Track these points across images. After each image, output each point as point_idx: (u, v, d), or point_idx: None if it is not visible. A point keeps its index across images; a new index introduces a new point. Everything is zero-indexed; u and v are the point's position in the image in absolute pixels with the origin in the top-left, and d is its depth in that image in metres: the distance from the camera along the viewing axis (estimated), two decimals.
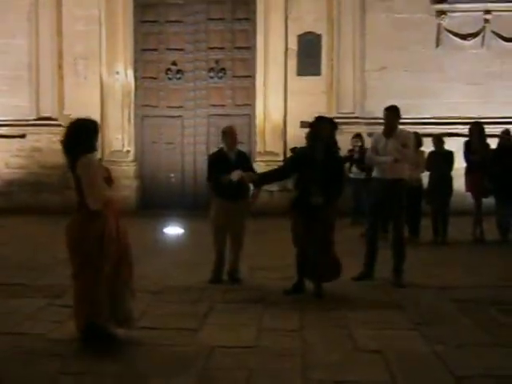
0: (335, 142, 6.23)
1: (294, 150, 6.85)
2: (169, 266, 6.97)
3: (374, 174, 6.65)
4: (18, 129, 12.29)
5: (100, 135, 12.81)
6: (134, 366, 3.90)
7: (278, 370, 3.83)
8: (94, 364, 3.92)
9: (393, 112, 6.45)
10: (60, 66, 12.85)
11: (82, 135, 4.25)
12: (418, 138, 8.37)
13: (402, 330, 4.75)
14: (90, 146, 4.30)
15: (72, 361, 4.00)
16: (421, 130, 9.60)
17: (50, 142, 12.09)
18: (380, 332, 4.64)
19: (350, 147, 10.11)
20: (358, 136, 10.15)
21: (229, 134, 6.45)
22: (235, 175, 5.97)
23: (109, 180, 4.38)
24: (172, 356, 4.08)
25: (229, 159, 6.30)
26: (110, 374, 3.74)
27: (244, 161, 6.44)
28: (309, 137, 5.87)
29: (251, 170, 6.40)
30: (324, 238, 5.74)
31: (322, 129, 5.76)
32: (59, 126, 12.50)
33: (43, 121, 11.93)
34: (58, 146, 12.77)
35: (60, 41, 12.81)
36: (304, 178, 5.75)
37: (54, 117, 12.65)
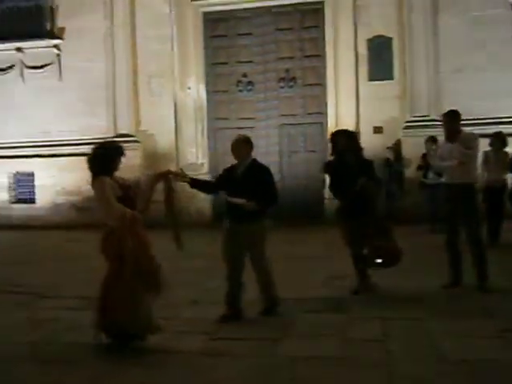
0: (359, 148, 6.46)
1: (327, 164, 6.79)
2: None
3: (444, 179, 6.46)
4: None
5: (175, 148, 13.18)
6: (215, 379, 3.89)
7: (363, 382, 3.72)
8: (175, 377, 3.94)
9: (450, 117, 6.28)
10: (135, 85, 13.26)
11: (98, 159, 4.58)
12: (503, 138, 8.01)
13: (489, 338, 4.53)
14: (106, 169, 4.57)
15: (154, 371, 4.04)
16: (504, 129, 9.21)
17: (127, 158, 12.32)
18: (466, 341, 4.44)
19: (424, 151, 9.79)
20: (432, 139, 9.78)
21: (231, 146, 5.51)
22: (234, 200, 5.22)
23: (127, 198, 4.52)
24: (254, 367, 4.05)
25: (234, 174, 5.40)
26: None
27: (255, 175, 5.32)
28: (332, 150, 6.40)
29: (262, 184, 5.31)
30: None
31: (338, 141, 6.25)
32: (136, 142, 12.92)
33: (121, 138, 12.29)
34: (136, 162, 13.21)
35: (135, 61, 13.25)
36: (341, 184, 6.15)
37: (130, 133, 13.05)
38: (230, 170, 5.47)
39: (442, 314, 5.23)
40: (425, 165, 9.55)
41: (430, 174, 9.36)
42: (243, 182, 5.24)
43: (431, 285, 6.18)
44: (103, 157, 4.58)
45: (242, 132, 12.91)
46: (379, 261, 5.93)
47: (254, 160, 5.45)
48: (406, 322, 5.04)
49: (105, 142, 5.02)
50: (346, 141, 6.26)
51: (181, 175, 5.33)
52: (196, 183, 5.43)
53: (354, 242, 6.10)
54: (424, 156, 9.72)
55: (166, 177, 4.96)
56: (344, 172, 6.11)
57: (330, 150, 6.51)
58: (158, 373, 4.02)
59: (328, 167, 6.56)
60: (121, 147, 4.74)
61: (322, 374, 3.87)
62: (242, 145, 5.40)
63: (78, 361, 4.29)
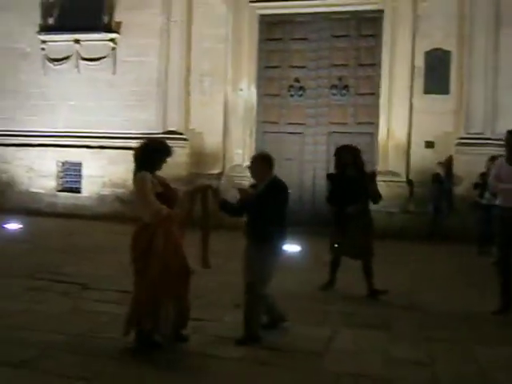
0: (362, 163, 6.81)
1: (330, 175, 7.23)
2: (291, 284, 6.83)
3: (498, 202, 6.18)
4: None
5: (222, 149, 13.18)
6: None
7: None
8: (217, 381, 3.89)
9: None
10: (187, 83, 13.33)
11: (145, 155, 4.55)
12: None
13: None
14: (150, 166, 4.52)
15: (197, 375, 3.99)
16: None
17: (175, 155, 12.45)
18: None
19: (484, 170, 9.48)
20: (494, 159, 9.45)
21: (250, 164, 5.17)
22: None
23: (166, 196, 4.47)
24: (296, 380, 3.97)
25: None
26: None
27: (270, 195, 4.80)
28: (335, 163, 6.85)
29: (275, 207, 4.82)
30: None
31: (342, 155, 6.72)
32: (185, 139, 12.98)
33: (169, 134, 12.36)
34: (183, 160, 13.29)
35: (188, 58, 13.33)
36: (341, 196, 6.59)
37: (179, 131, 13.12)
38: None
39: (489, 339, 5.05)
40: (482, 184, 9.25)
41: (487, 194, 9.06)
42: (260, 202, 4.77)
43: (480, 308, 6.00)
44: (150, 153, 4.54)
45: (291, 137, 12.97)
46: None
47: (275, 178, 4.93)
48: (452, 345, 4.87)
49: (155, 140, 4.95)
50: (349, 155, 6.69)
51: (217, 194, 4.86)
52: (225, 205, 4.86)
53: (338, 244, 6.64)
54: (483, 175, 9.43)
55: (204, 192, 4.79)
56: (345, 184, 6.57)
57: (335, 164, 6.88)
58: (196, 378, 3.96)
59: (331, 177, 7.08)
60: (170, 148, 4.69)
61: None
62: (259, 163, 4.93)
63: (117, 357, 4.28)
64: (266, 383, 3.90)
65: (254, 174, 4.96)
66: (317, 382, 3.93)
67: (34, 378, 3.83)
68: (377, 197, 6.83)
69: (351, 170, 6.64)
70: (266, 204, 4.71)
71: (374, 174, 7.08)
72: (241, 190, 4.95)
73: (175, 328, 4.48)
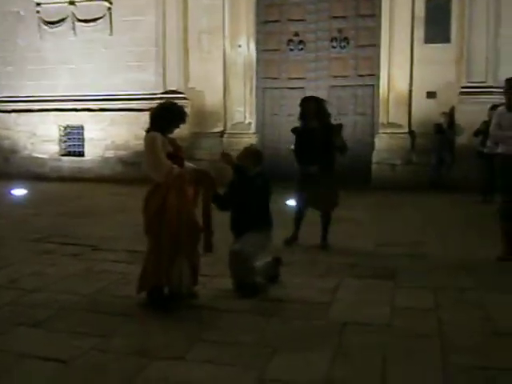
0: (327, 114, 6.75)
1: (294, 129, 6.90)
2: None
3: (500, 150, 6.19)
4: (146, 102, 12.78)
5: (223, 107, 13.14)
6: (267, 338, 3.93)
7: (415, 351, 3.70)
8: (227, 334, 4.00)
9: None
10: (185, 41, 13.19)
11: (156, 115, 4.56)
12: None
13: None
14: (161, 127, 4.51)
15: (208, 328, 4.11)
16: None
17: None
18: None
19: (486, 118, 9.46)
20: (495, 107, 9.41)
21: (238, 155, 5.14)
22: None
23: (175, 156, 4.50)
24: (303, 329, 4.08)
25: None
26: (244, 344, 3.79)
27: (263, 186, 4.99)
28: (300, 115, 6.72)
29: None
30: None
31: (307, 106, 6.60)
32: (185, 99, 12.93)
33: (170, 94, 12.31)
34: None
35: (185, 16, 13.16)
36: (304, 149, 6.53)
37: (179, 90, 13.06)
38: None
39: (496, 286, 5.14)
40: (484, 132, 9.24)
41: (488, 143, 9.04)
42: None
43: (484, 255, 6.10)
44: (165, 115, 4.53)
45: (292, 92, 12.89)
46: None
47: (261, 172, 5.00)
48: (458, 292, 4.96)
49: (172, 102, 4.84)
50: (311, 106, 6.56)
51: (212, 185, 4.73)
52: (217, 198, 4.80)
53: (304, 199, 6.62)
54: (485, 123, 9.40)
55: (206, 177, 4.67)
56: (308, 137, 6.49)
57: (299, 115, 6.76)
58: (211, 329, 4.08)
59: (294, 132, 6.82)
60: (185, 113, 4.68)
61: (372, 341, 3.86)
62: (249, 157, 5.00)
63: (132, 314, 4.39)
64: (273, 333, 4.00)
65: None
66: (323, 331, 4.03)
67: (49, 336, 3.94)
68: (344, 149, 6.68)
69: (313, 122, 6.54)
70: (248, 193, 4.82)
71: (340, 126, 6.87)
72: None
73: (187, 285, 4.58)
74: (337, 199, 6.69)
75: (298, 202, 6.79)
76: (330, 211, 6.72)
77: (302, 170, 6.62)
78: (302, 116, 6.66)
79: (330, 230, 6.73)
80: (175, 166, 4.45)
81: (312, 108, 6.56)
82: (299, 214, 6.78)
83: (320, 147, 6.45)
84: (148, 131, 4.55)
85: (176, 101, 12.38)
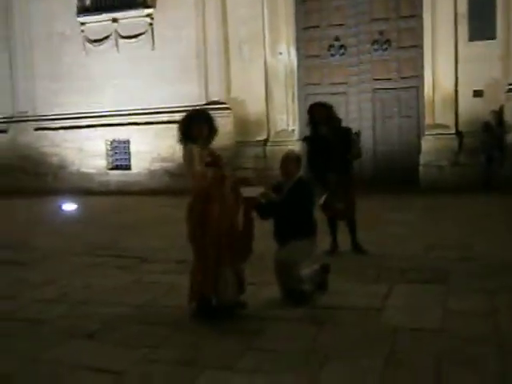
0: (337, 119, 6.65)
1: (305, 138, 6.83)
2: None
3: None
4: None
5: (265, 115, 13.12)
6: (319, 346, 3.87)
7: (470, 357, 3.57)
8: (276, 342, 3.96)
9: None
10: (226, 52, 13.29)
11: (180, 126, 4.60)
12: None
13: None
14: (188, 136, 4.53)
15: (258, 336, 4.08)
16: None
17: (219, 124, 12.54)
18: None
19: None
20: None
21: (281, 162, 5.12)
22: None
23: (214, 165, 4.47)
24: (355, 336, 4.00)
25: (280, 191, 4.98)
26: (295, 353, 3.75)
27: (294, 196, 4.89)
28: (308, 122, 6.57)
29: (297, 210, 4.86)
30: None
31: (316, 113, 6.43)
32: (227, 109, 13.00)
33: (212, 105, 12.39)
34: (227, 129, 13.34)
35: (225, 27, 13.25)
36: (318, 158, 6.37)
37: (222, 100, 13.15)
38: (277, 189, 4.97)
39: None
40: None
41: None
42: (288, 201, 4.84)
43: None
44: (188, 124, 4.55)
45: (334, 97, 12.78)
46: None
47: (301, 177, 5.02)
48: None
49: (194, 109, 4.93)
50: (323, 113, 6.43)
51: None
52: (260, 207, 4.76)
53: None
54: None
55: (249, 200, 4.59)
56: (321, 144, 6.34)
57: (308, 122, 6.64)
58: (261, 338, 4.04)
59: (305, 140, 6.76)
60: (202, 113, 4.71)
61: (425, 346, 3.75)
62: (293, 162, 5.03)
63: (181, 324, 4.40)
64: (324, 341, 3.94)
65: (285, 172, 5.02)
66: (375, 337, 3.95)
67: (101, 348, 3.99)
68: (357, 157, 6.68)
69: (324, 128, 6.42)
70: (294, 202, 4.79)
71: (357, 135, 6.72)
72: (262, 194, 4.75)
73: (234, 295, 4.56)
74: (354, 205, 6.59)
75: (324, 209, 6.44)
76: (353, 217, 6.61)
77: (317, 177, 6.38)
78: (311, 123, 6.54)
79: (357, 234, 6.62)
80: (209, 169, 4.43)
81: (322, 114, 6.43)
82: (331, 221, 6.65)
83: (336, 153, 6.32)
84: (183, 145, 4.57)
85: (219, 111, 12.50)
